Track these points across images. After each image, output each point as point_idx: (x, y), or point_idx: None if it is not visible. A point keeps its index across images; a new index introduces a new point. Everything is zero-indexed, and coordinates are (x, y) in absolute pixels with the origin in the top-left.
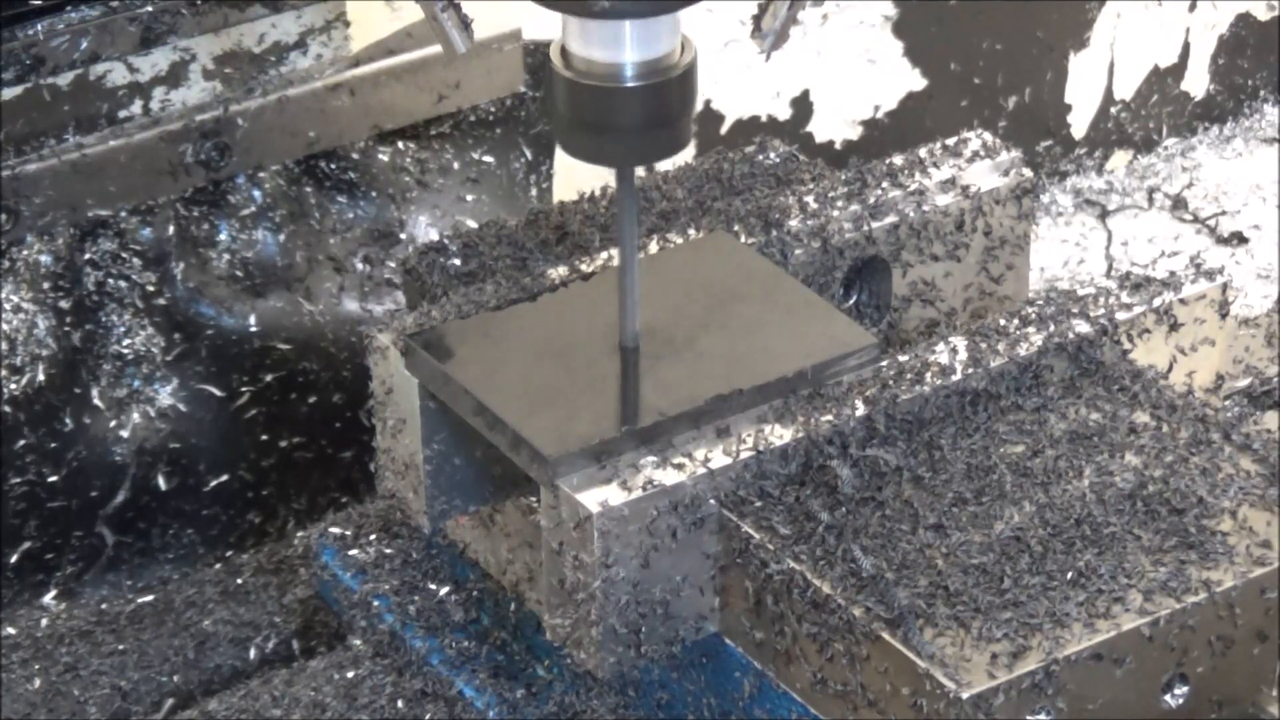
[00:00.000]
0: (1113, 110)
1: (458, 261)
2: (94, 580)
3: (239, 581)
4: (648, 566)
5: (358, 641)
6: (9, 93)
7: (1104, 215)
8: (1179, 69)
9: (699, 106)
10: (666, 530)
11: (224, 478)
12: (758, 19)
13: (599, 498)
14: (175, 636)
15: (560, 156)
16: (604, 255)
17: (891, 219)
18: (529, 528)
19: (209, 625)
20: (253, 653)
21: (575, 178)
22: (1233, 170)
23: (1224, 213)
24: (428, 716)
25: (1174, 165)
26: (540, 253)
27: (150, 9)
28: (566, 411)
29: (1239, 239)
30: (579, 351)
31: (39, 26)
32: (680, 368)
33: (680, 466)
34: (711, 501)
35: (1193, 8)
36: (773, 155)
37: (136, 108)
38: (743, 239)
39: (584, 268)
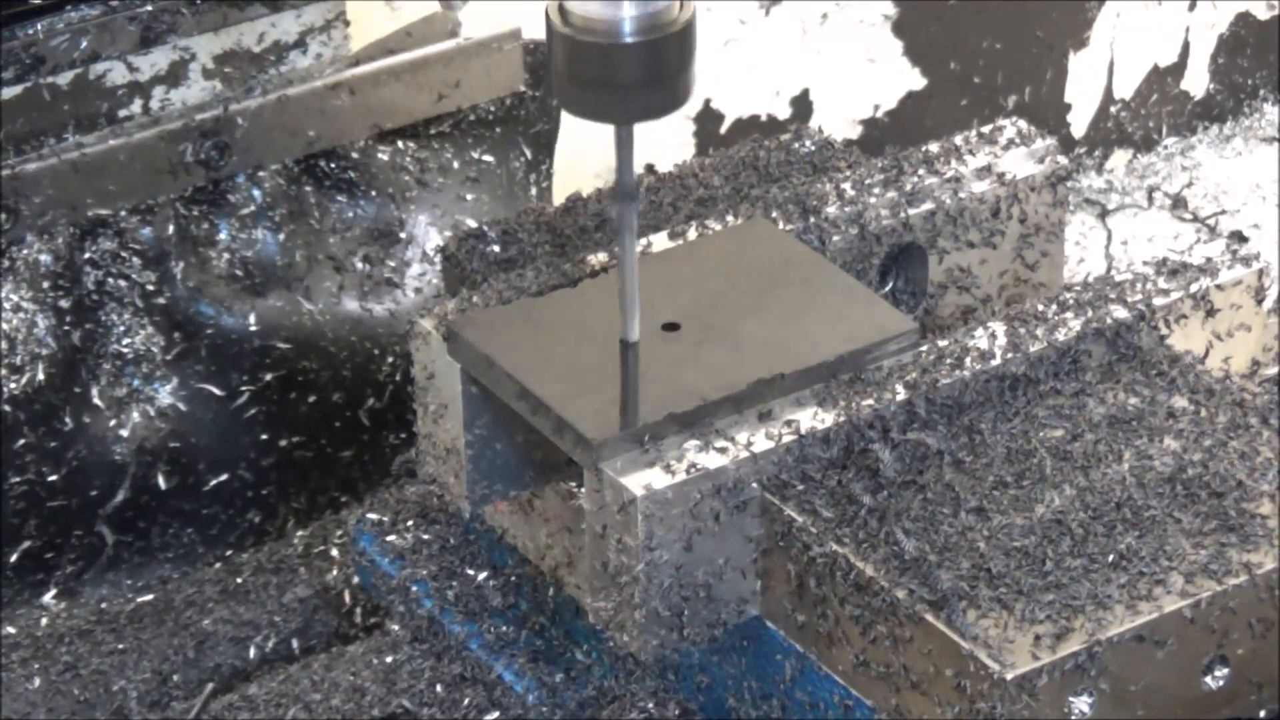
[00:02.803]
0: (1112, 109)
1: (497, 248)
2: (94, 580)
3: (239, 581)
4: (690, 550)
5: (396, 626)
6: (9, 92)
7: (1103, 214)
8: (1179, 68)
9: (698, 105)
10: (709, 513)
11: (224, 477)
12: None
13: (643, 481)
14: (175, 636)
15: (560, 156)
16: (643, 241)
17: (928, 206)
18: (568, 513)
19: (209, 625)
20: (252, 652)
21: (575, 177)
22: (1232, 170)
23: (1224, 212)
24: (467, 700)
25: (1174, 165)
26: (579, 239)
27: (150, 8)
28: (609, 395)
29: (1239, 238)
30: (619, 335)
31: (39, 26)
32: (722, 352)
33: (723, 450)
34: (754, 485)
35: (1193, 7)
36: (808, 143)
37: (136, 107)
38: (781, 225)
39: None
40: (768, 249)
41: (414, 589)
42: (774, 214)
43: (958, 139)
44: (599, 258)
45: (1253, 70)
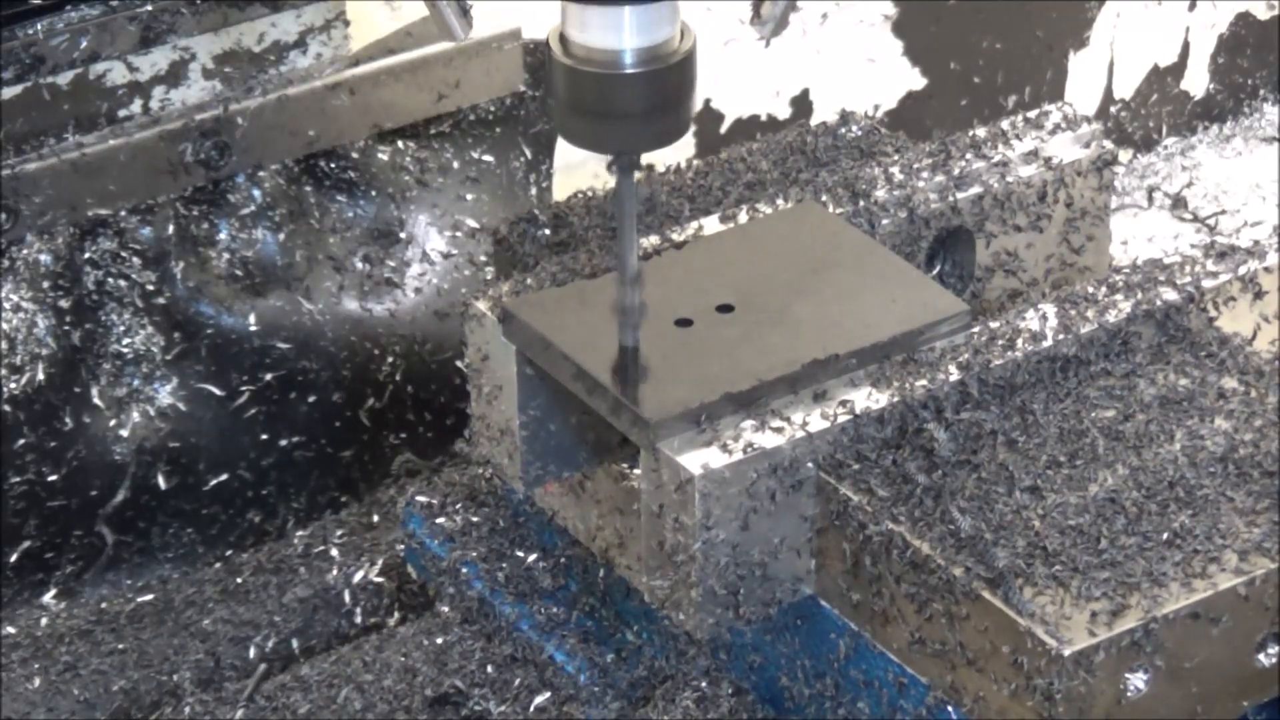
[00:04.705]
0: (1112, 109)
1: (548, 231)
2: (94, 580)
3: (239, 581)
4: (747, 529)
5: (445, 608)
6: (9, 92)
7: None
8: (1179, 68)
9: (699, 105)
10: (765, 493)
11: (224, 477)
12: (757, 5)
13: (700, 460)
14: (175, 636)
15: (560, 155)
16: (695, 224)
17: (976, 190)
18: (620, 494)
19: (209, 625)
20: (252, 652)
21: (575, 177)
22: (1232, 169)
23: (1224, 212)
24: (518, 681)
25: (1174, 164)
26: None
27: (150, 8)
28: (665, 376)
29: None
30: (674, 317)
31: (39, 26)
32: (776, 333)
33: (779, 430)
34: (809, 464)
35: (1192, 7)
36: (855, 128)
37: (136, 107)
38: (831, 209)
39: (675, 236)
40: (819, 231)
41: (464, 571)
42: (823, 197)
43: (1004, 123)
44: (651, 240)
45: (1253, 70)
